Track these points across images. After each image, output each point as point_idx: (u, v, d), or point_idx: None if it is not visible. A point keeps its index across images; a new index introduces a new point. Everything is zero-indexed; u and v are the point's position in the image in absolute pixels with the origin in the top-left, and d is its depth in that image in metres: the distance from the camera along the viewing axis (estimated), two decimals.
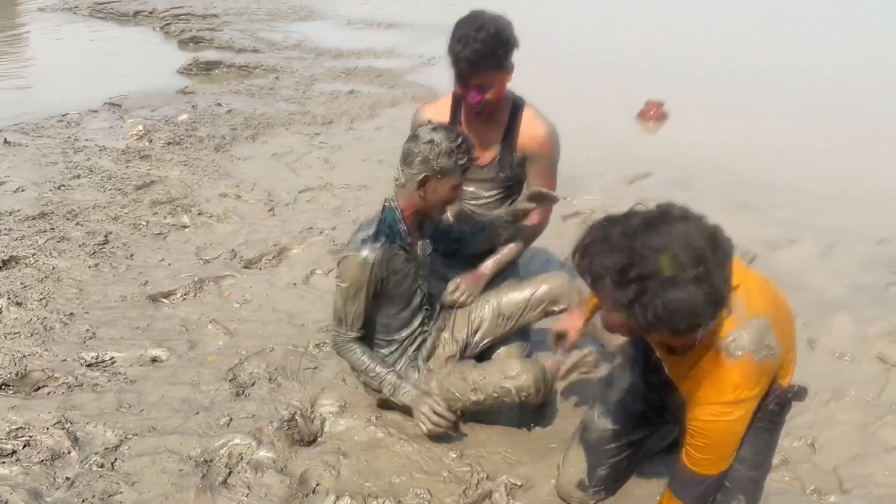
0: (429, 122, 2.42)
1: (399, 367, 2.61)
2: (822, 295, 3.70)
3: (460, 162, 2.35)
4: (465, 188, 2.89)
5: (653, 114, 6.44)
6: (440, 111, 2.88)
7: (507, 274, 2.97)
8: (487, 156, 2.84)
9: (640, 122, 6.46)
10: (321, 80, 7.49)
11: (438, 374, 2.59)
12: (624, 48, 9.46)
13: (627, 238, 1.54)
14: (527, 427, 2.67)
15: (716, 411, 1.76)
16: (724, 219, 1.73)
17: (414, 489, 2.33)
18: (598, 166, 5.33)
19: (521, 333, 2.85)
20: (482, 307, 2.77)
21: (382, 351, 2.61)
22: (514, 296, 2.76)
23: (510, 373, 2.47)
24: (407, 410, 2.56)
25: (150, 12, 10.69)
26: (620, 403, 2.33)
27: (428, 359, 2.66)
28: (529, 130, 2.81)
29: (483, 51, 2.55)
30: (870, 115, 6.91)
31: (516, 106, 2.84)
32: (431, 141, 2.30)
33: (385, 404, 2.66)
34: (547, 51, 9.20)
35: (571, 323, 2.52)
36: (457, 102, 2.86)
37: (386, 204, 2.45)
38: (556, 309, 2.75)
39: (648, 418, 2.30)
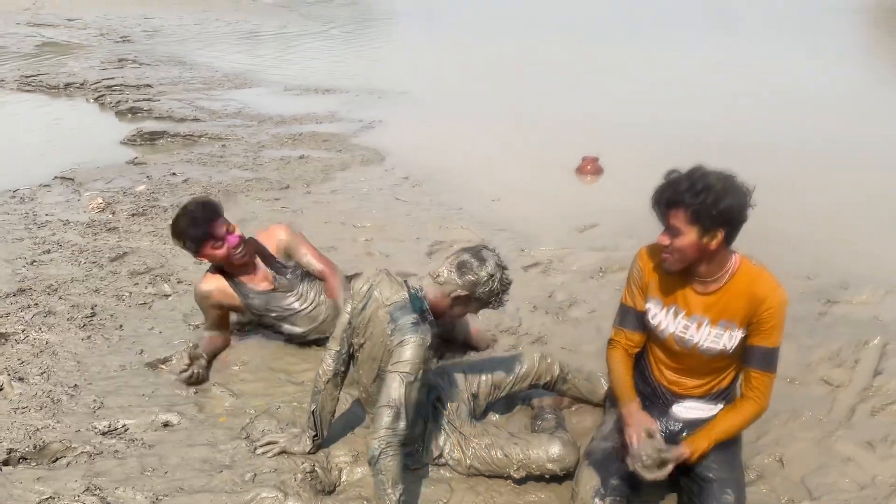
0: (490, 250, 2.63)
1: (425, 430, 2.79)
2: None
3: (493, 303, 2.62)
4: (289, 306, 3.51)
5: (589, 168, 6.90)
6: (216, 282, 3.43)
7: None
8: (269, 280, 3.48)
9: (579, 177, 6.91)
10: (269, 146, 7.69)
11: (474, 443, 2.77)
12: (548, 106, 10.01)
13: (687, 176, 2.34)
14: None
15: (778, 292, 2.45)
16: None
17: None
18: (548, 220, 5.70)
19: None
20: (477, 378, 3.03)
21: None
22: (503, 371, 3.06)
23: (553, 455, 2.68)
24: (453, 463, 2.78)
25: (82, 84, 10.69)
26: (615, 429, 2.66)
27: (448, 422, 2.84)
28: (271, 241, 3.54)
29: (209, 203, 3.38)
30: (790, 157, 7.56)
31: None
32: (492, 276, 2.53)
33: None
34: (478, 109, 9.71)
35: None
36: (220, 269, 3.44)
37: (412, 291, 2.60)
38: (539, 383, 3.10)
39: None
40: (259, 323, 3.60)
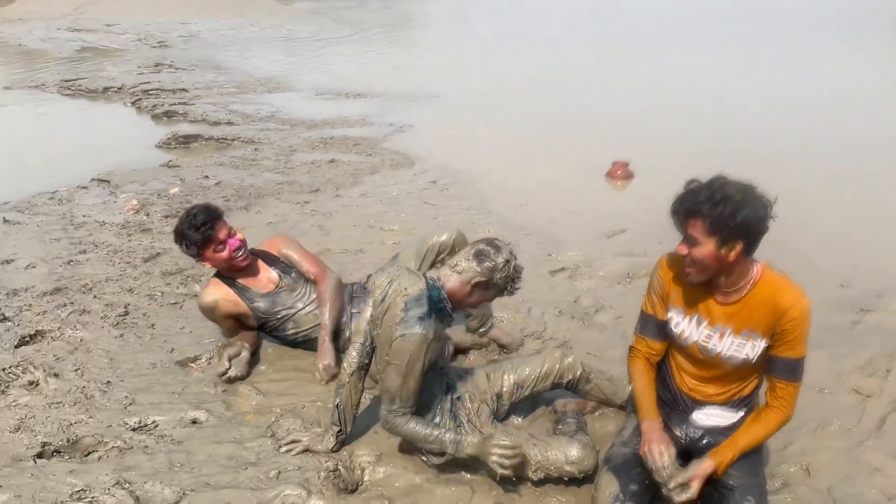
0: (501, 243, 2.74)
1: (445, 426, 2.81)
2: None
3: (510, 289, 2.72)
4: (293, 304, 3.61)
5: (619, 173, 6.87)
6: (219, 292, 3.52)
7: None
8: (273, 281, 3.62)
9: (609, 182, 6.89)
10: (300, 149, 7.78)
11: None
12: (580, 111, 9.98)
13: (707, 186, 2.32)
14: None
15: (802, 303, 2.40)
16: None
17: None
18: (577, 224, 5.69)
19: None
20: (501, 377, 3.07)
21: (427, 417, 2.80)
22: (526, 369, 3.08)
23: (572, 457, 2.69)
24: (474, 465, 2.76)
25: (119, 88, 10.92)
26: (635, 434, 2.67)
27: (468, 420, 2.87)
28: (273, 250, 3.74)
29: (210, 208, 3.49)
30: (831, 162, 7.46)
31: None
32: (508, 262, 2.66)
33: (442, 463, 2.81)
34: (510, 113, 9.72)
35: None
36: (222, 276, 3.57)
37: (430, 282, 2.68)
38: (562, 381, 3.11)
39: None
40: (265, 329, 3.65)
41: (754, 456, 2.64)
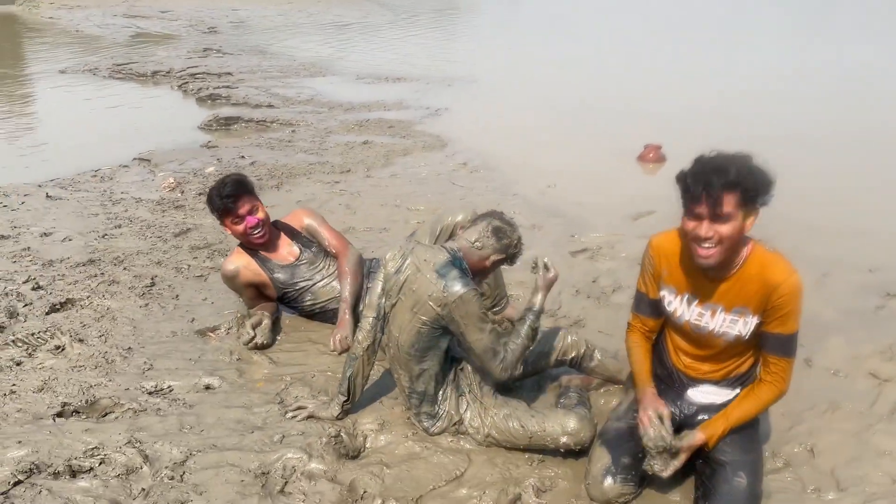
0: (508, 217, 2.85)
1: (448, 395, 2.88)
2: (817, 319, 3.96)
3: (515, 258, 2.83)
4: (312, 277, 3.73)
5: (651, 156, 6.80)
6: (240, 260, 3.66)
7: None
8: (293, 254, 3.74)
9: (641, 165, 6.82)
10: (336, 132, 7.89)
11: (493, 412, 2.85)
12: (617, 96, 9.88)
13: (728, 160, 2.26)
14: None
15: (792, 278, 2.36)
16: None
17: (452, 493, 2.60)
18: (604, 206, 5.66)
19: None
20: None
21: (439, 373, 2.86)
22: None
23: (568, 429, 2.73)
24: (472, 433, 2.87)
25: (168, 72, 11.21)
26: (630, 409, 2.69)
27: (469, 391, 2.92)
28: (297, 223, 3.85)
29: (241, 186, 3.56)
30: (863, 150, 7.27)
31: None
32: (520, 238, 2.82)
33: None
34: (545, 98, 9.67)
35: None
36: (248, 249, 3.69)
37: (451, 252, 2.74)
38: (566, 359, 3.15)
39: None
40: (283, 300, 3.76)
41: (749, 433, 2.63)
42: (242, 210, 3.54)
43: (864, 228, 5.28)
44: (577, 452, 2.77)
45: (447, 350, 2.92)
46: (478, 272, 2.81)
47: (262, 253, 3.69)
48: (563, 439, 2.73)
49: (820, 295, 4.26)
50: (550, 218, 5.41)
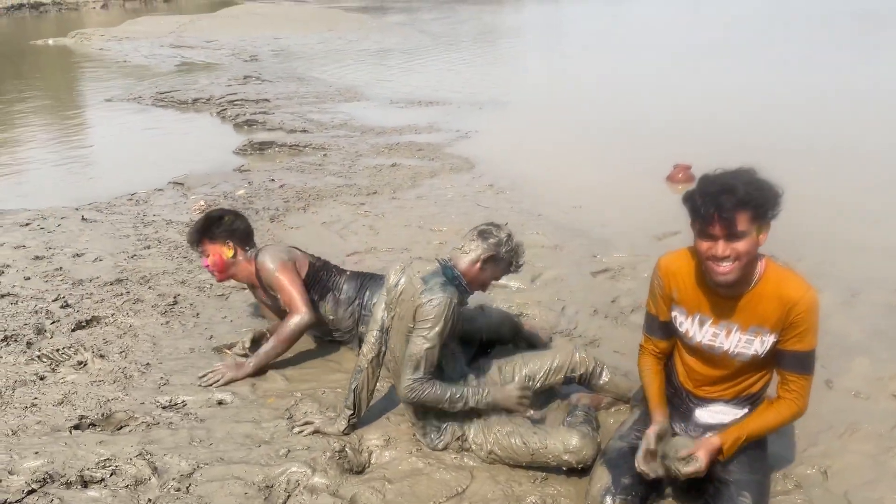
0: (499, 223, 2.99)
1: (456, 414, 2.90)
2: (843, 340, 3.88)
3: (515, 263, 2.90)
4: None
5: (681, 177, 6.74)
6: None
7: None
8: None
9: (670, 185, 6.76)
10: (366, 155, 8.01)
11: (496, 429, 2.85)
12: (647, 115, 9.84)
13: (734, 177, 2.25)
14: None
15: (809, 294, 2.34)
16: None
17: None
18: (629, 227, 5.63)
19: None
20: (512, 369, 3.13)
21: None
22: (538, 362, 3.14)
23: (571, 446, 2.72)
24: (476, 448, 2.88)
25: (208, 99, 11.51)
26: (633, 429, 2.66)
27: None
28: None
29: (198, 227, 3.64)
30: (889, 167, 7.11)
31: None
32: (510, 235, 2.89)
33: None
34: (576, 120, 9.68)
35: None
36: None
37: (443, 263, 2.82)
38: (574, 375, 3.15)
39: None
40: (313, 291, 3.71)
41: (757, 453, 2.58)
42: (199, 248, 3.66)
43: (890, 245, 5.15)
44: (580, 471, 2.75)
45: (455, 365, 2.95)
46: (474, 279, 2.87)
47: None
48: (565, 457, 2.71)
49: (848, 315, 4.17)
50: (574, 238, 5.40)
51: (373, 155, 8.01)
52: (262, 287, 3.63)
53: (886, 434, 3.08)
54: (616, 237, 5.44)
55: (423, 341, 2.70)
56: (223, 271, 3.63)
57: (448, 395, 2.77)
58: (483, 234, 2.85)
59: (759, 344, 2.44)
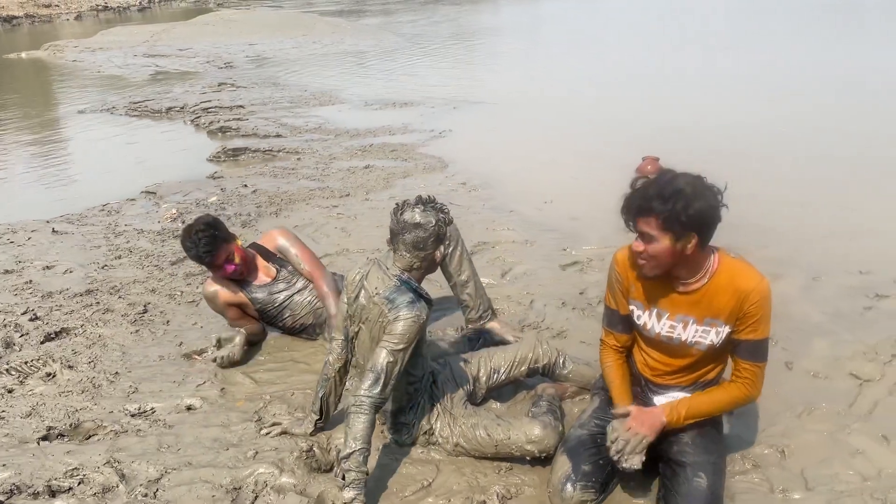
0: (412, 205, 2.75)
1: (421, 407, 2.94)
2: (804, 323, 3.95)
3: (448, 225, 2.77)
4: (289, 295, 3.83)
5: (650, 168, 6.78)
6: (219, 283, 3.76)
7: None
8: (270, 275, 3.85)
9: (639, 177, 6.82)
10: (339, 157, 8.03)
11: (462, 422, 2.90)
12: (620, 112, 9.92)
13: (655, 182, 2.35)
14: None
15: (762, 285, 2.40)
16: None
17: (419, 502, 2.65)
18: (599, 220, 5.67)
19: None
20: (477, 362, 3.16)
21: (409, 389, 2.91)
22: (502, 356, 3.18)
23: (533, 436, 2.77)
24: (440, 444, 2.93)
25: (182, 107, 11.47)
26: (592, 417, 2.72)
27: (442, 397, 2.99)
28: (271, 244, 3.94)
29: (213, 236, 3.63)
30: (858, 156, 7.22)
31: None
32: (434, 220, 2.70)
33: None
34: (550, 117, 9.74)
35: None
36: (232, 280, 3.78)
37: (400, 276, 2.74)
38: (538, 366, 3.20)
39: None
40: (265, 319, 3.86)
41: (712, 434, 2.64)
42: (219, 261, 3.64)
43: (854, 230, 5.25)
44: (544, 460, 2.80)
45: (422, 363, 2.98)
46: (429, 271, 2.83)
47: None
48: (528, 447, 2.76)
49: (809, 298, 4.25)
50: (544, 233, 5.45)
51: (346, 157, 8.03)
52: (254, 268, 3.79)
53: (844, 412, 3.15)
54: (586, 230, 5.50)
55: (386, 355, 2.64)
56: (248, 260, 3.75)
57: (364, 434, 2.59)
58: (415, 245, 2.70)
59: (715, 335, 2.50)
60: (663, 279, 2.50)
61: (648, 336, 2.63)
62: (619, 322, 2.71)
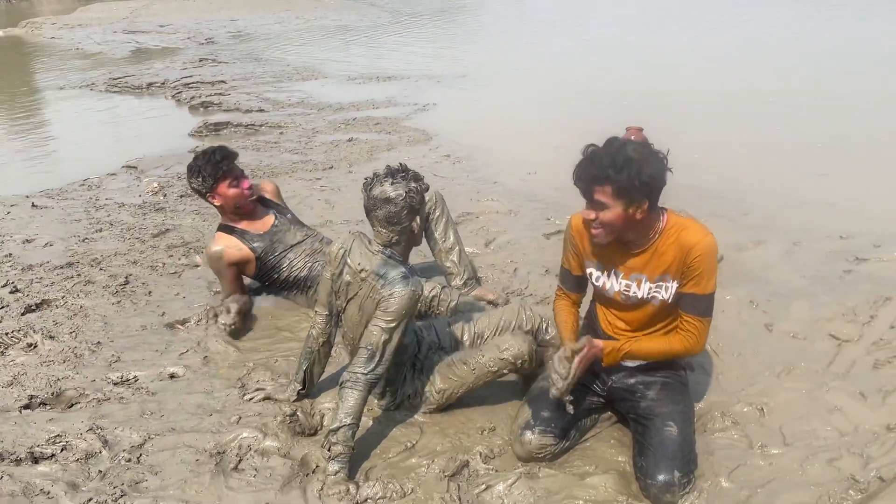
0: (381, 178, 2.67)
1: (406, 374, 2.96)
2: (784, 287, 3.99)
3: (420, 194, 2.70)
4: (289, 242, 3.89)
5: (633, 139, 6.80)
6: (225, 241, 3.77)
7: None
8: (269, 222, 3.88)
9: None
10: (323, 131, 7.97)
11: (438, 369, 2.93)
12: (605, 83, 9.90)
13: (606, 151, 2.37)
14: (504, 401, 3.02)
15: (707, 239, 2.45)
16: None
17: (404, 464, 2.67)
18: None
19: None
20: (461, 327, 3.17)
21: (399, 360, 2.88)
22: (486, 321, 3.18)
23: (503, 346, 2.82)
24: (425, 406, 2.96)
25: (163, 83, 11.34)
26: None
27: (426, 362, 3.01)
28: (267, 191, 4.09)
29: (229, 149, 3.77)
30: (834, 126, 7.27)
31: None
32: (404, 193, 2.61)
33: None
34: (535, 90, 9.71)
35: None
36: (226, 228, 3.82)
37: (386, 254, 2.71)
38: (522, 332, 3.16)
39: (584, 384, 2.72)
40: (264, 277, 3.87)
41: (677, 386, 2.72)
42: (237, 171, 3.72)
43: (835, 196, 5.29)
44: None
45: (410, 333, 2.98)
46: (411, 243, 2.80)
47: (240, 226, 3.82)
48: (503, 355, 2.81)
49: (789, 263, 4.29)
50: (528, 203, 5.46)
51: (330, 131, 7.98)
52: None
53: (822, 371, 3.19)
54: (569, 199, 5.41)
55: (381, 332, 2.62)
56: (255, 191, 3.89)
57: (354, 408, 2.59)
58: (389, 220, 2.65)
59: (665, 291, 2.56)
60: (616, 242, 2.53)
61: (608, 296, 2.68)
62: (571, 280, 2.81)
